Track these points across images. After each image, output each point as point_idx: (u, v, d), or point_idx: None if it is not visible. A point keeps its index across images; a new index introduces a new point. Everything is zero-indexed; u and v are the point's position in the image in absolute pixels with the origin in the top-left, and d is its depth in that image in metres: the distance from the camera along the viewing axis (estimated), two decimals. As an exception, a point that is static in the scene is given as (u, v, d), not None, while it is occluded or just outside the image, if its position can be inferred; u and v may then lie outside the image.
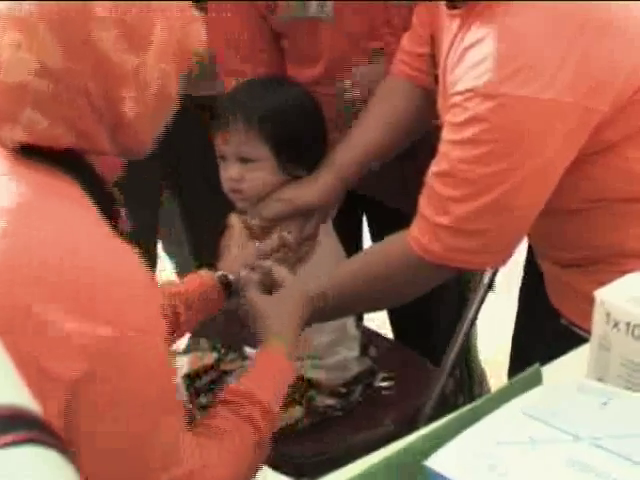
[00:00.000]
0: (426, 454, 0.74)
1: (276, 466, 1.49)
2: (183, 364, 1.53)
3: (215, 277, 1.38)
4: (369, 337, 1.62)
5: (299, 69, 1.64)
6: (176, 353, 1.58)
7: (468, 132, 1.15)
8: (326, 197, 1.47)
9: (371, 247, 1.45)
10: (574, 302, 1.33)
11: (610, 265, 1.26)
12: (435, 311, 1.75)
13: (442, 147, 1.21)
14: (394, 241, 1.30)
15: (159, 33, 0.90)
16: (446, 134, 1.20)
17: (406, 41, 1.47)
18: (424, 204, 1.23)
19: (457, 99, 1.16)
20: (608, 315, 0.88)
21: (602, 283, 1.22)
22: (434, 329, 1.79)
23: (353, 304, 1.38)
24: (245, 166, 1.43)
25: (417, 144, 1.51)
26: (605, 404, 0.79)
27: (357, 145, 1.48)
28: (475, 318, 1.58)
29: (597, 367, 0.91)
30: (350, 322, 1.55)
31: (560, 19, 1.13)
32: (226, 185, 1.46)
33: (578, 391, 0.82)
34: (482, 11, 1.17)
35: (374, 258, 1.35)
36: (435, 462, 0.72)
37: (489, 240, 1.21)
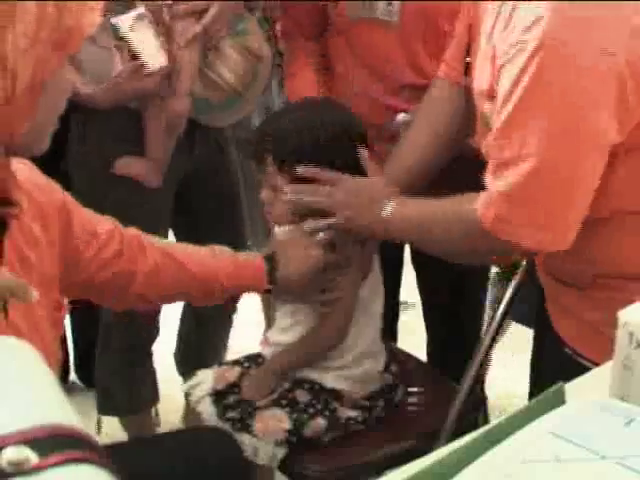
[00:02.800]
0: (453, 472, 0.76)
1: (297, 479, 1.50)
2: (208, 378, 1.55)
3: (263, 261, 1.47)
4: (391, 353, 1.63)
5: None
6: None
7: (522, 84, 1.12)
8: None
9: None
10: (576, 330, 1.33)
11: (611, 291, 1.25)
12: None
13: (497, 105, 1.18)
14: (462, 201, 1.28)
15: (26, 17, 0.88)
16: (500, 93, 1.17)
17: (448, 52, 1.49)
18: (487, 172, 1.22)
19: (506, 57, 1.14)
20: (631, 335, 0.89)
21: (603, 310, 1.24)
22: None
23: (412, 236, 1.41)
24: (273, 192, 1.49)
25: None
26: (629, 423, 0.80)
27: (408, 158, 1.50)
28: (496, 335, 1.59)
29: (620, 386, 0.92)
30: (377, 337, 1.58)
31: None
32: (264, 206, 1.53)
33: (602, 410, 0.83)
34: None
35: (438, 208, 1.33)
36: (463, 480, 0.73)
37: (536, 211, 1.18)
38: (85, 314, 2.39)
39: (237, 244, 2.15)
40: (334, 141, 1.46)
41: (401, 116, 1.64)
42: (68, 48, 0.95)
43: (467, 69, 1.39)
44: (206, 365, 2.14)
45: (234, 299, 2.17)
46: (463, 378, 1.58)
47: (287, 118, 1.50)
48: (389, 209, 1.38)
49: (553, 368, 1.43)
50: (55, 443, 0.48)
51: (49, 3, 0.92)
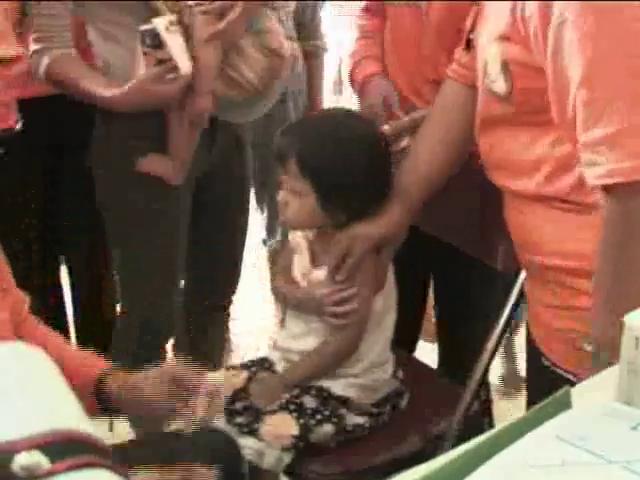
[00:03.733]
0: (459, 476, 0.76)
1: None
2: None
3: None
4: (398, 359, 1.63)
5: None
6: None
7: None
8: (397, 228, 1.51)
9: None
10: (554, 342, 1.33)
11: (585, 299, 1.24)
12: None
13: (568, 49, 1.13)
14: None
15: None
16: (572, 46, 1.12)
17: (457, 51, 1.49)
18: (579, 141, 1.14)
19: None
20: (637, 340, 0.89)
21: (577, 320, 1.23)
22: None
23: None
24: (291, 195, 1.49)
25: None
26: (635, 428, 0.80)
27: (419, 168, 1.50)
28: (500, 340, 1.58)
29: (626, 391, 0.92)
30: (387, 346, 1.58)
31: None
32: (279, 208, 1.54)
33: (608, 415, 0.83)
34: None
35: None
36: (470, 484, 0.73)
37: None
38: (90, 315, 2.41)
39: (239, 244, 2.17)
40: (357, 154, 1.47)
41: (385, 128, 1.64)
42: None
43: (468, 45, 1.40)
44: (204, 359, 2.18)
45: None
46: (468, 382, 1.58)
47: (314, 124, 1.53)
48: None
49: (532, 380, 1.44)
50: (67, 448, 0.49)
51: None
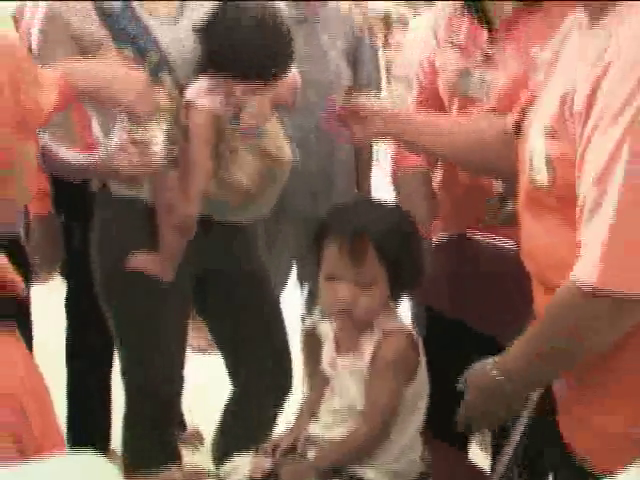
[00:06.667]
0: None
1: None
2: (245, 464, 1.55)
3: None
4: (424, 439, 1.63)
5: None
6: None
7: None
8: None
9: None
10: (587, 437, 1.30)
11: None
12: None
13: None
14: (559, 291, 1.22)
15: None
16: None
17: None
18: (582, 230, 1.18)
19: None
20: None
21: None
22: None
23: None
24: (361, 288, 1.45)
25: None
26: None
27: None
28: (526, 431, 1.57)
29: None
30: (419, 429, 1.56)
31: None
32: (334, 305, 1.48)
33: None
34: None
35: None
36: None
37: None
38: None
39: (274, 337, 2.08)
40: (417, 232, 1.53)
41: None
42: (29, 128, 0.99)
43: (517, 128, 1.45)
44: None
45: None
46: (496, 465, 1.57)
47: (375, 210, 1.51)
48: (492, 365, 1.35)
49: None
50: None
51: (5, 89, 0.96)
